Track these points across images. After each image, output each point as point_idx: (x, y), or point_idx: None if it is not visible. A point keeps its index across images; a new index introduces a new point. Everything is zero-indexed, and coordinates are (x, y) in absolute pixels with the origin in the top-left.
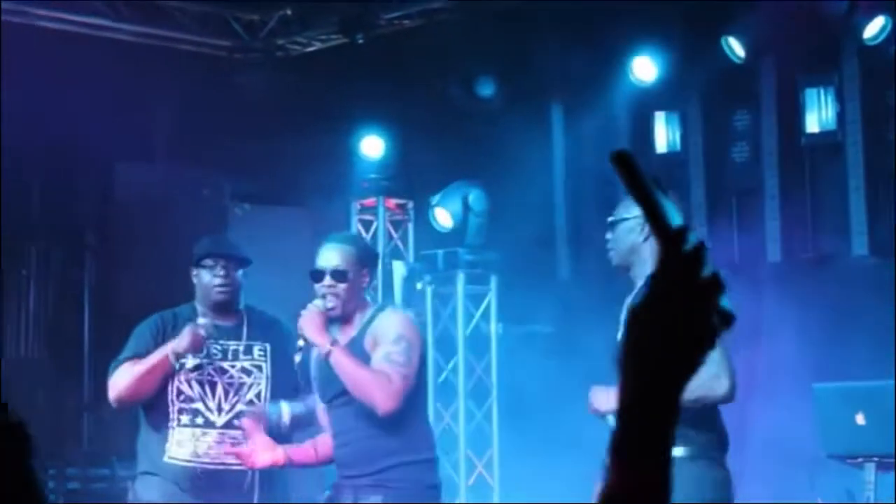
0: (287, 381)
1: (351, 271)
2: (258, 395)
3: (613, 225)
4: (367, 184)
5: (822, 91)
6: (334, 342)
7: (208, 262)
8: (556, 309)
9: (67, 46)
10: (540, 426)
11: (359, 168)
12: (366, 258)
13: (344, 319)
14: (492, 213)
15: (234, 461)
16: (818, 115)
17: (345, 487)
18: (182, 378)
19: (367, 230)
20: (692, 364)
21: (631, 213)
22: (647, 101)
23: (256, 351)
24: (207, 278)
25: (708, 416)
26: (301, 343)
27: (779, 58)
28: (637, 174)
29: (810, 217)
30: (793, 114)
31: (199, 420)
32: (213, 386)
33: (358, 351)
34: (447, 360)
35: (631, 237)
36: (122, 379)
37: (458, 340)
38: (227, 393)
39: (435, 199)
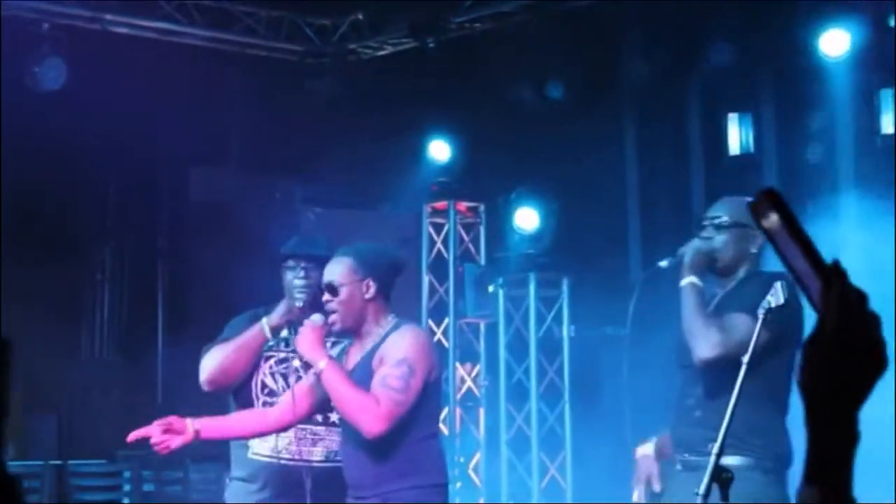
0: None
1: (346, 284)
2: None
3: (723, 227)
4: (437, 187)
5: None
6: (330, 359)
7: (290, 262)
8: (628, 311)
9: (141, 52)
10: (613, 429)
11: (430, 171)
12: (369, 268)
13: (355, 333)
14: (564, 216)
15: (318, 458)
16: (894, 115)
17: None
18: (266, 371)
19: (438, 233)
20: (864, 392)
21: (743, 218)
22: (720, 103)
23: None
24: (289, 278)
25: (771, 423)
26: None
27: (854, 57)
28: (790, 211)
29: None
30: (868, 114)
31: None
32: (297, 380)
33: (365, 370)
34: (519, 362)
35: (743, 244)
36: (213, 358)
37: (531, 343)
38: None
39: (512, 200)
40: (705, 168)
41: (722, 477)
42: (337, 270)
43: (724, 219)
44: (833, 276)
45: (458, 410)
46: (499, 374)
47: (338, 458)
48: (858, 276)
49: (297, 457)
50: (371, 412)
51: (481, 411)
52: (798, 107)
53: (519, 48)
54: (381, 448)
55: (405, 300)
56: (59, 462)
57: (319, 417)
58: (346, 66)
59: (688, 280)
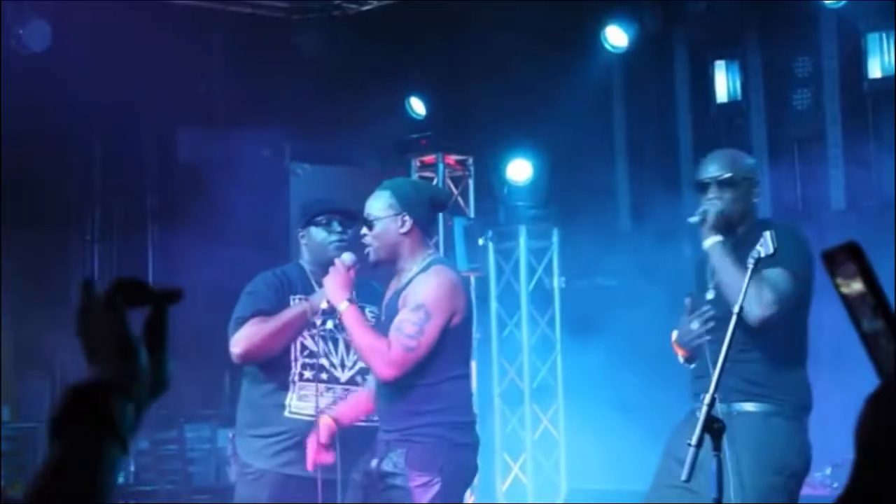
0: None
1: (381, 217)
2: None
3: (718, 184)
4: (425, 141)
5: (883, 36)
6: (351, 302)
7: (321, 219)
8: (619, 261)
9: (125, 12)
10: (605, 379)
11: (417, 126)
12: (406, 203)
13: (391, 266)
14: (552, 167)
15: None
16: (880, 60)
17: (380, 442)
18: (306, 333)
19: None
20: None
21: (738, 172)
22: (707, 51)
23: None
24: (322, 235)
25: (792, 372)
26: (324, 305)
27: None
28: (872, 273)
29: (874, 163)
30: (854, 59)
31: (324, 376)
32: (335, 342)
33: (392, 309)
34: (511, 314)
35: (743, 201)
36: (252, 334)
37: (521, 295)
38: (349, 349)
39: (504, 152)
40: (692, 117)
41: (714, 427)
42: (374, 204)
43: (727, 175)
44: None
45: None
46: (490, 326)
47: (373, 418)
48: (843, 216)
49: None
50: (382, 357)
51: (473, 364)
52: (785, 53)
53: (504, 3)
54: (401, 388)
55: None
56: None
57: (360, 379)
58: (331, 22)
59: (714, 239)
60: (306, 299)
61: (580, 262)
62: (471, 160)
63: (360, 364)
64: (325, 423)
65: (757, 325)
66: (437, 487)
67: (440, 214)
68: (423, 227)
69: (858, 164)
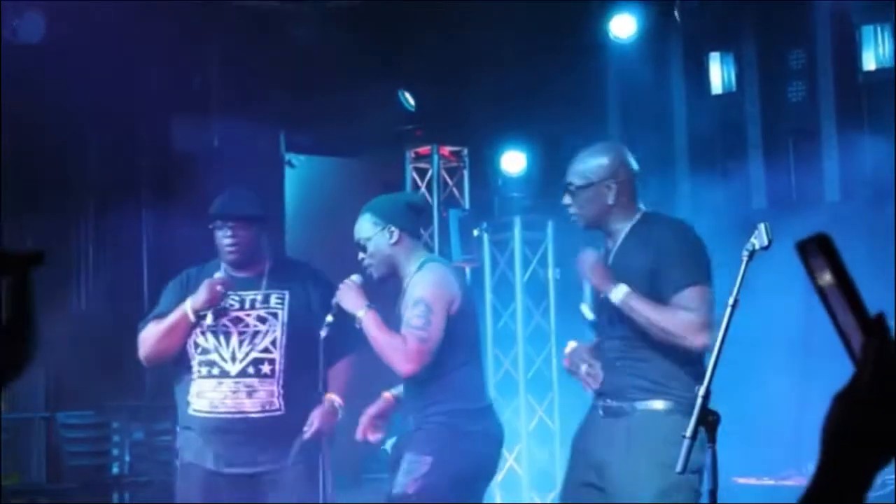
0: (306, 327)
1: (370, 237)
2: (273, 343)
3: (576, 191)
4: (421, 132)
5: (878, 28)
6: (368, 308)
7: (217, 222)
8: None
9: (119, 3)
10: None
11: (411, 117)
12: (388, 216)
13: (395, 278)
14: (547, 158)
15: (251, 409)
16: (875, 52)
17: (404, 434)
18: (198, 331)
19: (421, 178)
20: (887, 455)
21: (592, 177)
22: (702, 42)
23: (274, 299)
24: (219, 238)
25: (689, 367)
26: (329, 318)
27: None
28: (842, 264)
29: (868, 155)
30: (849, 51)
31: (216, 371)
32: (227, 336)
33: (401, 313)
34: (505, 306)
35: (599, 201)
36: (147, 338)
37: (516, 286)
38: (241, 342)
39: (497, 144)
40: (687, 108)
41: (708, 419)
42: (361, 228)
43: (575, 182)
44: (875, 328)
45: None
46: (485, 318)
47: (273, 408)
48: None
49: (233, 409)
50: (400, 353)
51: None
52: (780, 45)
53: None
54: (416, 385)
55: None
56: (47, 414)
57: (252, 370)
58: (326, 13)
59: (621, 291)
60: (188, 302)
61: (575, 253)
62: (466, 151)
63: (253, 355)
64: (385, 397)
65: (703, 350)
66: (424, 468)
67: (425, 211)
68: (411, 233)
69: (853, 156)
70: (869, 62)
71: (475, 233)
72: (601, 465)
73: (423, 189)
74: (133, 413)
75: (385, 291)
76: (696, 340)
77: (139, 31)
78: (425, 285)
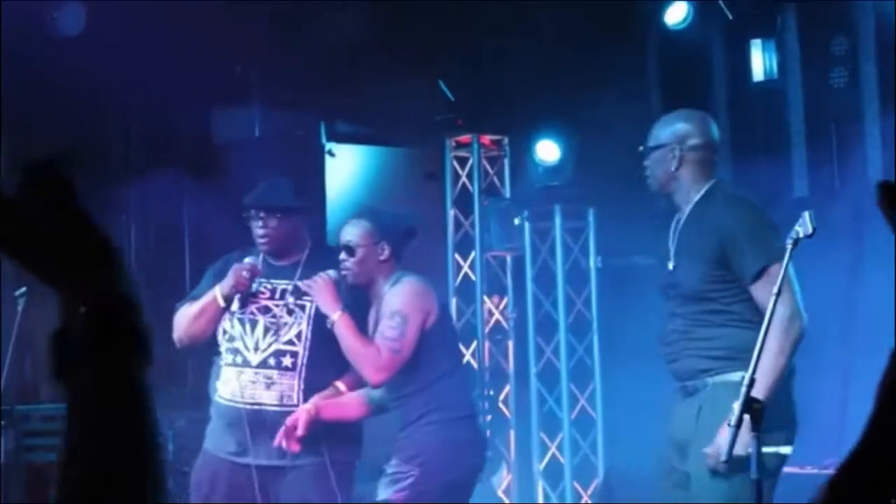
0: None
1: (362, 246)
2: (298, 336)
3: (648, 152)
4: (461, 121)
5: None
6: (343, 312)
7: (251, 212)
8: (655, 240)
9: None
10: (642, 358)
11: (453, 106)
12: (385, 232)
13: (367, 289)
14: (588, 146)
15: (268, 401)
16: None
17: (395, 441)
18: (227, 317)
19: (462, 167)
20: None
21: (663, 138)
22: (743, 29)
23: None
24: (253, 228)
25: (753, 336)
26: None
27: None
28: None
29: None
30: (891, 37)
31: (239, 359)
32: (253, 325)
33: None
34: (547, 294)
35: (665, 164)
36: (180, 320)
37: (558, 274)
38: (266, 331)
39: (533, 133)
40: (728, 95)
41: (753, 407)
42: (355, 232)
43: (649, 143)
44: None
45: (486, 344)
46: (527, 306)
47: (292, 402)
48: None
49: (251, 400)
50: (373, 362)
51: (510, 344)
52: (821, 31)
53: None
54: (398, 400)
55: (431, 235)
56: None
57: (273, 361)
58: (367, 1)
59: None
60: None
61: (616, 241)
62: (506, 140)
63: (275, 347)
64: (305, 409)
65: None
66: (410, 479)
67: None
68: (398, 255)
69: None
70: None
71: (516, 222)
72: (682, 447)
73: (463, 178)
74: (176, 401)
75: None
76: (791, 333)
77: (180, 21)
78: (403, 298)
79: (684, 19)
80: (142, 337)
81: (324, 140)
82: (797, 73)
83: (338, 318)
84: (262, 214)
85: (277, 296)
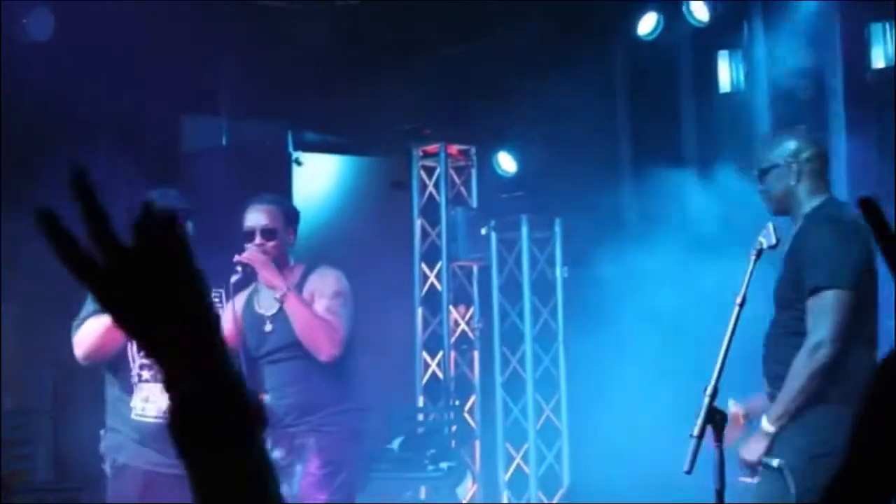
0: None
1: (279, 230)
2: None
3: (761, 175)
4: (429, 131)
5: (887, 25)
6: (290, 287)
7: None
8: (621, 251)
9: (127, 1)
10: (608, 368)
11: (421, 115)
12: (291, 217)
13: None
14: (555, 156)
15: None
16: (884, 49)
17: (282, 436)
18: None
19: (429, 177)
20: None
21: (776, 158)
22: (710, 40)
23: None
24: None
25: (868, 363)
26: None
27: None
28: (884, 222)
29: (876, 154)
30: (858, 49)
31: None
32: None
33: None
34: (513, 304)
35: (784, 181)
36: (89, 334)
37: (524, 285)
38: None
39: (492, 144)
40: (696, 106)
41: (716, 418)
42: (271, 216)
43: (762, 166)
44: None
45: (452, 354)
46: (493, 316)
47: None
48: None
49: None
50: (332, 337)
51: (476, 354)
52: (788, 43)
53: None
54: (307, 379)
55: (398, 245)
56: (55, 413)
57: None
58: (334, 12)
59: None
60: None
61: (582, 251)
62: (473, 150)
63: None
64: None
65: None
66: (343, 476)
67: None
68: (293, 243)
69: (861, 155)
70: (878, 60)
71: (483, 231)
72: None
73: (430, 188)
74: None
75: None
76: (812, 360)
77: (147, 30)
78: (337, 282)
79: (654, 29)
80: (262, 416)
81: (291, 149)
82: (764, 84)
83: (288, 292)
84: None
85: None
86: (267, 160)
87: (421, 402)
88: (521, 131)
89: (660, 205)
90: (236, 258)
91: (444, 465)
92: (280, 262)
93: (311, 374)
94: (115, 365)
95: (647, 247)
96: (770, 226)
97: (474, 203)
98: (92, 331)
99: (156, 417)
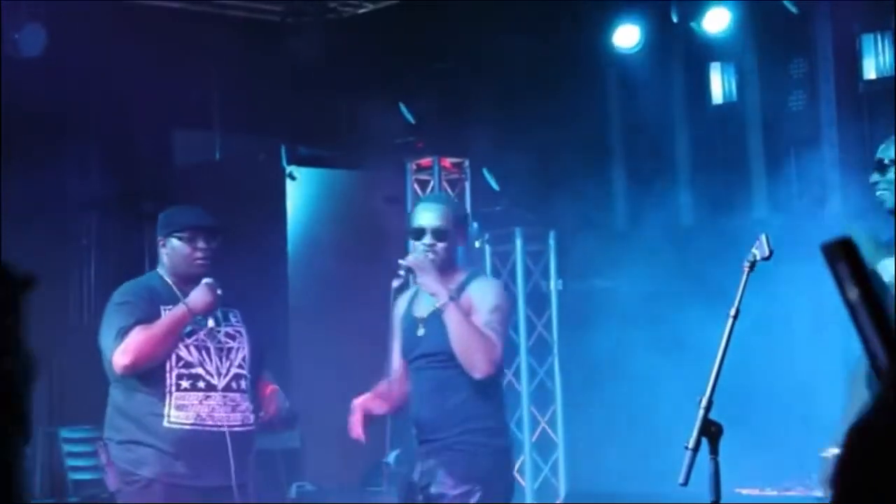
0: (262, 345)
1: (450, 230)
2: (244, 359)
3: (889, 165)
4: (422, 144)
5: (879, 36)
6: (451, 297)
7: (185, 234)
8: (616, 263)
9: (120, 15)
10: (602, 380)
11: (414, 128)
12: (461, 220)
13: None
14: (548, 168)
15: (237, 423)
16: (875, 60)
17: (421, 451)
18: (180, 343)
19: (423, 190)
20: None
21: None
22: (702, 53)
23: (232, 317)
24: (187, 250)
25: None
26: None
27: (834, 3)
28: (863, 271)
29: (870, 165)
30: (850, 60)
31: (201, 384)
32: (208, 350)
33: (434, 319)
34: None
35: None
36: (139, 342)
37: (519, 297)
38: (220, 357)
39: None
40: (688, 118)
41: (711, 430)
42: (444, 217)
43: (890, 156)
44: None
45: None
46: None
47: (249, 423)
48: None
49: (219, 423)
50: (490, 354)
51: None
52: (780, 54)
53: (499, 5)
54: (454, 391)
55: (392, 259)
56: (49, 429)
57: (235, 385)
58: (326, 26)
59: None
60: (184, 302)
61: (577, 264)
62: (467, 163)
63: (234, 370)
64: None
65: None
66: (477, 496)
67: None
68: (466, 246)
69: (854, 166)
70: (869, 71)
71: (477, 244)
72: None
73: None
74: None
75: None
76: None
77: (139, 46)
78: (498, 293)
79: (637, 44)
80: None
81: (284, 163)
82: (756, 95)
83: (449, 301)
84: (203, 235)
85: (214, 321)
86: (260, 174)
87: None
88: (514, 144)
89: (653, 217)
90: (401, 262)
91: None
92: (446, 266)
93: (459, 388)
94: (150, 375)
95: (641, 259)
96: (763, 237)
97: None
98: (145, 338)
99: (192, 425)
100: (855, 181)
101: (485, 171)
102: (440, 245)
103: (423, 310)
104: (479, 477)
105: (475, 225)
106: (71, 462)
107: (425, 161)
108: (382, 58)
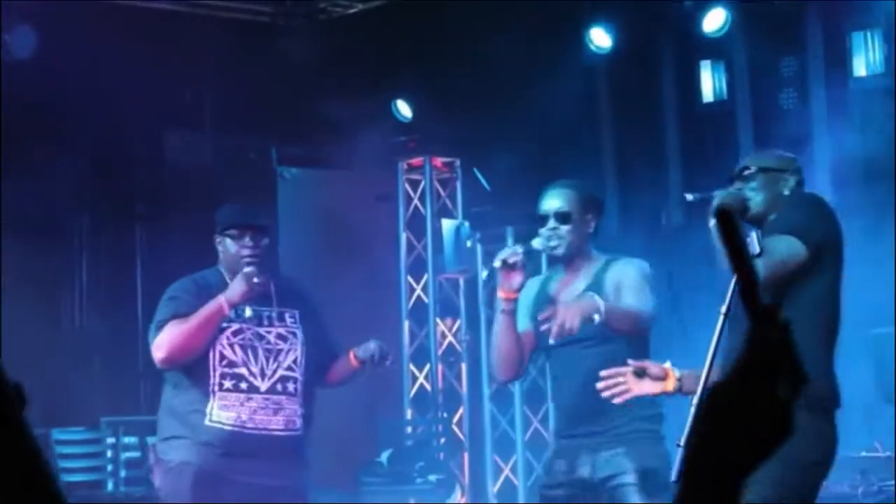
0: (320, 347)
1: (574, 213)
2: (295, 362)
3: (748, 177)
4: (413, 143)
5: (869, 34)
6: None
7: (233, 231)
8: None
9: (111, 16)
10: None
11: (404, 129)
12: (590, 204)
13: (568, 263)
14: (540, 168)
15: (276, 426)
16: (866, 58)
17: (581, 447)
18: (224, 342)
19: (414, 190)
20: (767, 451)
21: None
22: (693, 51)
23: (288, 317)
24: (235, 248)
25: (822, 362)
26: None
27: (824, 2)
28: (736, 235)
29: (860, 162)
30: (840, 58)
31: (244, 385)
32: (254, 351)
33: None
34: None
35: (773, 187)
36: (173, 336)
37: None
38: (267, 358)
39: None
40: (679, 116)
41: None
42: (566, 200)
43: (750, 169)
44: (763, 320)
45: (440, 366)
46: (479, 328)
47: (295, 427)
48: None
49: (259, 426)
50: (637, 321)
51: (463, 366)
52: (771, 52)
53: (489, 4)
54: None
55: (383, 256)
56: (42, 430)
57: (280, 387)
58: (316, 26)
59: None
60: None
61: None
62: (458, 162)
63: (282, 372)
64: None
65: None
66: (651, 483)
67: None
68: (597, 231)
69: (845, 163)
70: (859, 69)
71: (468, 243)
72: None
73: (416, 200)
74: (128, 428)
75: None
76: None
77: (130, 47)
78: (643, 270)
79: (609, 46)
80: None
81: (276, 163)
82: (747, 94)
83: (602, 304)
84: (249, 233)
85: (265, 322)
86: (252, 175)
87: (409, 414)
88: (505, 142)
89: (644, 216)
90: (532, 244)
91: (432, 477)
92: (577, 250)
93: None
94: (194, 372)
95: (632, 257)
96: (754, 234)
97: (459, 215)
98: (178, 332)
99: (232, 426)
100: (845, 178)
101: (476, 171)
102: (564, 228)
103: (568, 295)
104: (653, 467)
105: (466, 224)
106: (63, 464)
107: (416, 161)
108: (373, 57)
